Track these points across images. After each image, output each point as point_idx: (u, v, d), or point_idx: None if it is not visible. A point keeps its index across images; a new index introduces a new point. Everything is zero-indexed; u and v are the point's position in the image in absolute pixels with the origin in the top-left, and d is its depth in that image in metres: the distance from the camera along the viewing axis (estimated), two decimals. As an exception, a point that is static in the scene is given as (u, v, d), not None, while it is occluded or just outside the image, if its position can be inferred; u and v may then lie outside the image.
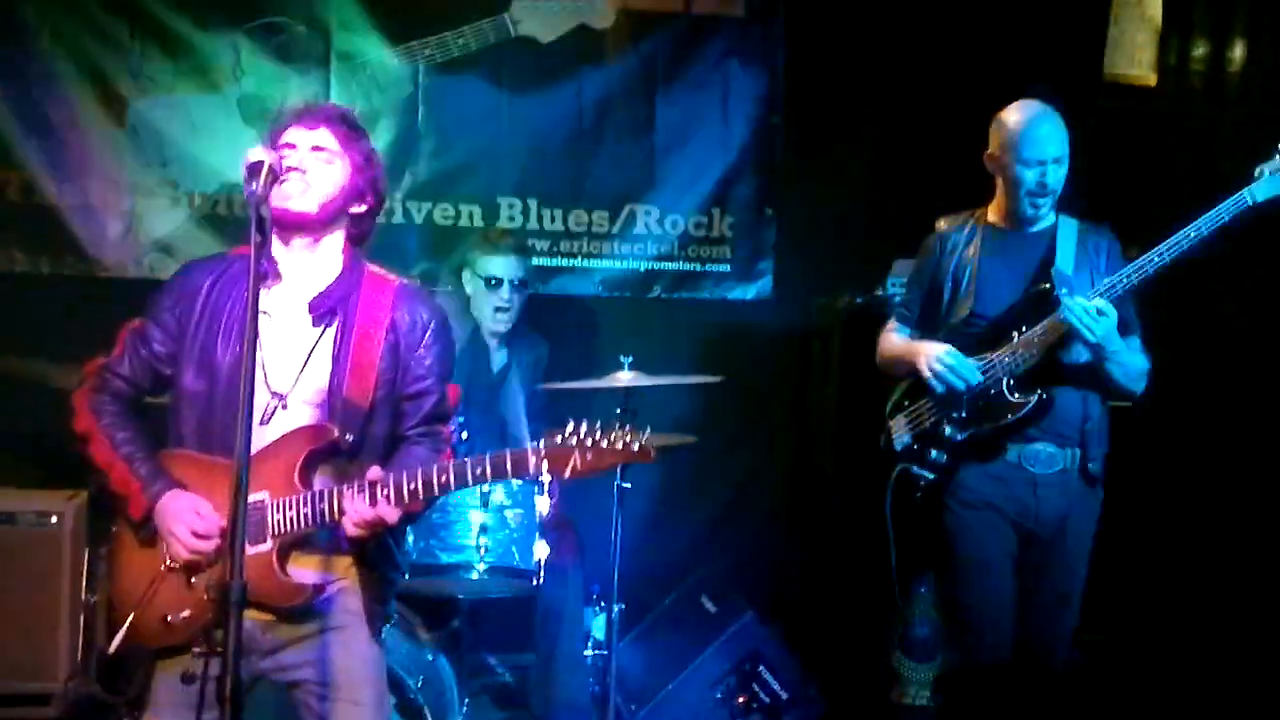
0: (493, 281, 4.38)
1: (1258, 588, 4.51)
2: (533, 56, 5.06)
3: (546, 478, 2.46)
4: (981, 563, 3.41)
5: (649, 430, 2.44)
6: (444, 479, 2.46)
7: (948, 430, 3.43)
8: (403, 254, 5.04)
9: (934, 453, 3.45)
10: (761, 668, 4.42)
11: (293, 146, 2.60)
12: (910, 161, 5.07)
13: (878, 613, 4.68)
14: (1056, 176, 3.39)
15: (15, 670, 4.04)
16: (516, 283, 4.44)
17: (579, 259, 5.24)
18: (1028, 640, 3.40)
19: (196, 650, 2.00)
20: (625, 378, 3.56)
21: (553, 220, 5.19)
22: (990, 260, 3.48)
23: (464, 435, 3.75)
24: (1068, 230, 3.48)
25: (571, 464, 2.40)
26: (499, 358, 4.49)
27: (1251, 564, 4.54)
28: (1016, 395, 3.36)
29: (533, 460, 2.43)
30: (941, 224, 3.62)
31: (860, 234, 5.13)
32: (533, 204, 5.17)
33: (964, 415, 3.41)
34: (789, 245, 5.30)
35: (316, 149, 2.60)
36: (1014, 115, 3.44)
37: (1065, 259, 3.43)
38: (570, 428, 2.43)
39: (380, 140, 4.99)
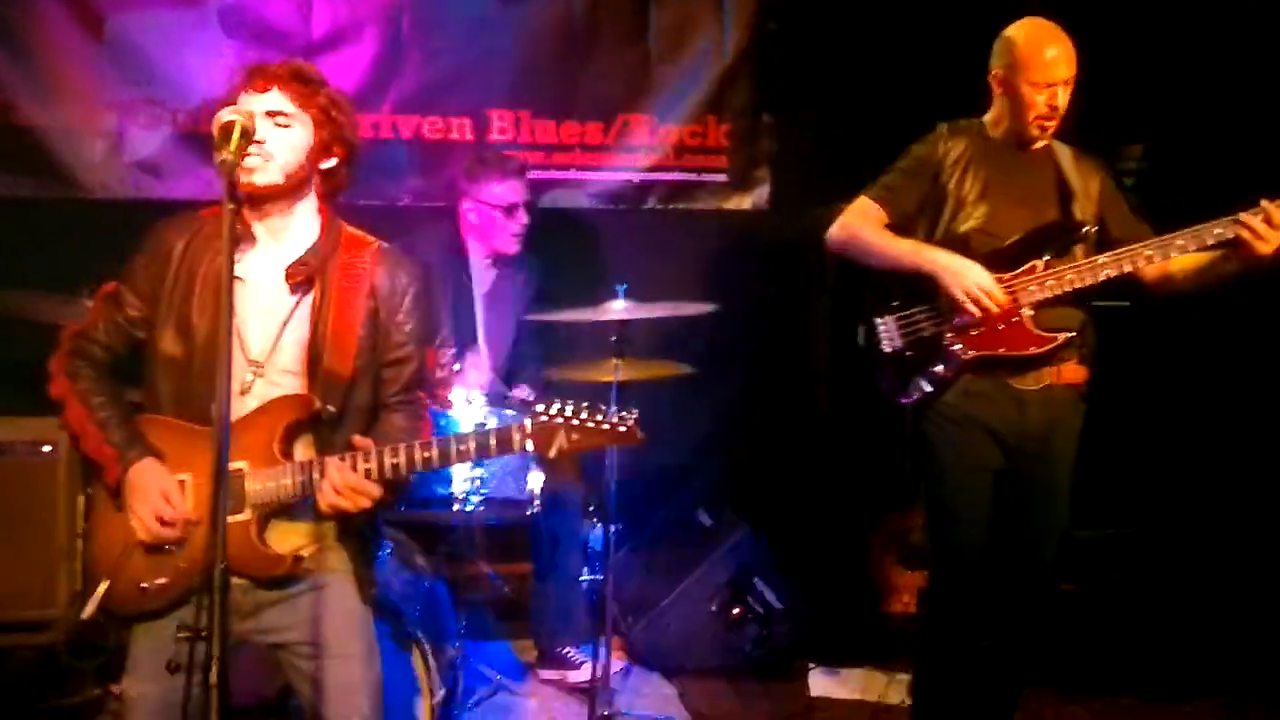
0: (510, 208, 4.30)
1: (1245, 490, 4.56)
2: (522, -38, 4.92)
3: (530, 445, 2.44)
4: (961, 478, 3.39)
5: (637, 412, 2.41)
6: (428, 455, 2.45)
7: (955, 346, 3.34)
8: (392, 171, 4.98)
9: (938, 366, 3.36)
10: (756, 579, 4.47)
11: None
12: (910, 67, 4.94)
13: (868, 524, 4.74)
14: (1064, 98, 3.31)
15: (15, 599, 4.08)
16: (529, 205, 4.37)
17: (572, 171, 5.15)
18: (1015, 552, 3.41)
19: (179, 635, 2.00)
20: (619, 308, 3.52)
21: (545, 132, 5.10)
22: (996, 176, 3.39)
23: (457, 367, 3.74)
24: (1064, 156, 3.42)
25: (558, 443, 2.40)
26: (486, 279, 4.43)
27: (1236, 466, 4.59)
28: (1040, 328, 3.29)
29: (518, 438, 2.42)
30: (944, 129, 3.50)
31: (859, 143, 5.02)
32: (524, 116, 5.07)
33: (977, 333, 3.31)
34: (786, 155, 5.21)
35: (271, 114, 2.51)
36: (1023, 34, 3.34)
37: (1071, 180, 3.38)
38: (557, 405, 2.41)
39: (365, 52, 4.91)
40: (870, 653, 4.39)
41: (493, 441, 2.45)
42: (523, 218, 4.32)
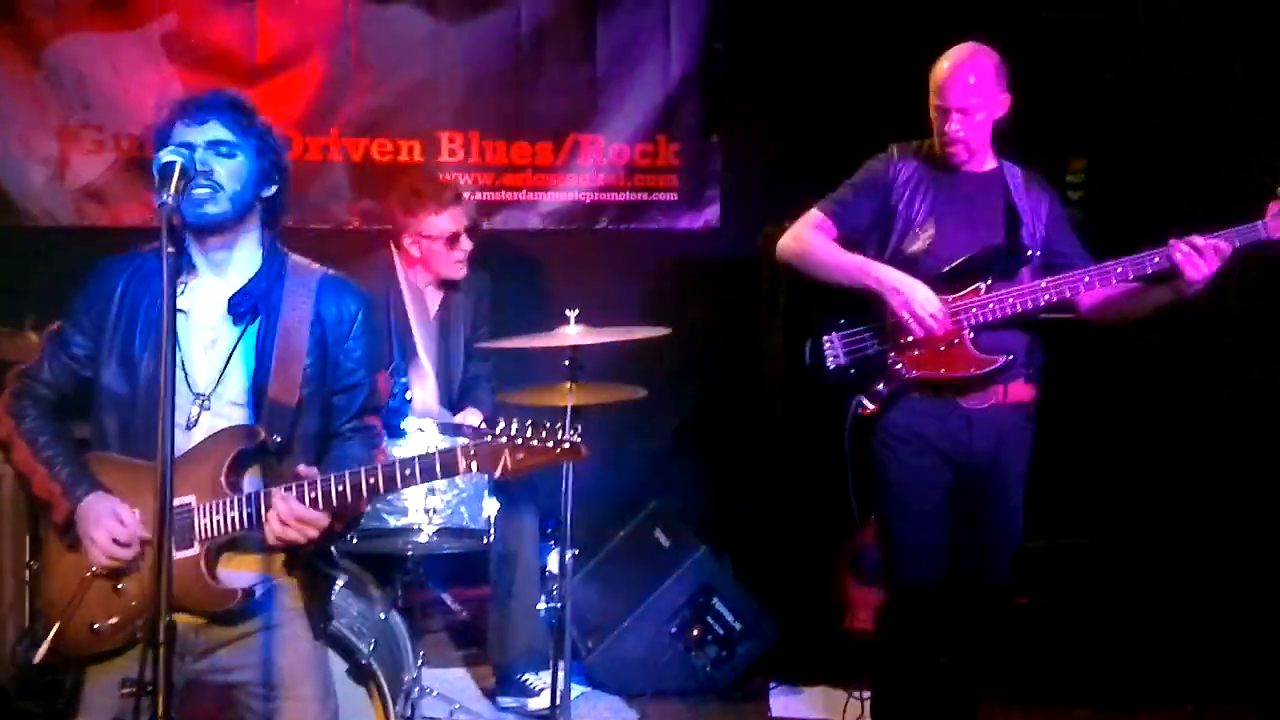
0: (452, 238, 4.26)
1: (1198, 499, 4.63)
2: (466, -18, 4.91)
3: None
4: (912, 496, 3.42)
5: (580, 429, 2.40)
6: (373, 482, 2.42)
7: (898, 365, 3.39)
8: (340, 194, 4.95)
9: (880, 385, 3.41)
10: (715, 600, 4.46)
11: (189, 147, 2.46)
12: (856, 86, 4.98)
13: (826, 542, 4.75)
14: (955, 127, 3.32)
15: (-40, 636, 3.99)
16: (470, 230, 4.32)
17: (523, 192, 5.14)
18: (969, 568, 3.45)
19: (124, 691, 1.96)
20: (571, 333, 3.50)
21: (495, 153, 5.09)
22: (944, 197, 3.42)
23: (408, 395, 3.71)
24: (1013, 175, 3.45)
25: (502, 463, 2.38)
26: (434, 300, 4.39)
27: (1189, 474, 4.65)
28: (980, 350, 3.33)
29: (463, 461, 2.41)
30: (894, 150, 3.52)
31: (807, 161, 5.06)
32: (474, 137, 5.06)
33: (920, 353, 3.35)
34: (736, 174, 5.23)
35: (213, 144, 2.48)
36: (941, 59, 3.37)
37: (1019, 203, 3.41)
38: (501, 425, 2.40)
39: (312, 75, 4.88)
40: (831, 671, 4.39)
41: (438, 465, 2.43)
42: (466, 244, 4.26)
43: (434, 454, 2.44)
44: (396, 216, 4.28)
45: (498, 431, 2.39)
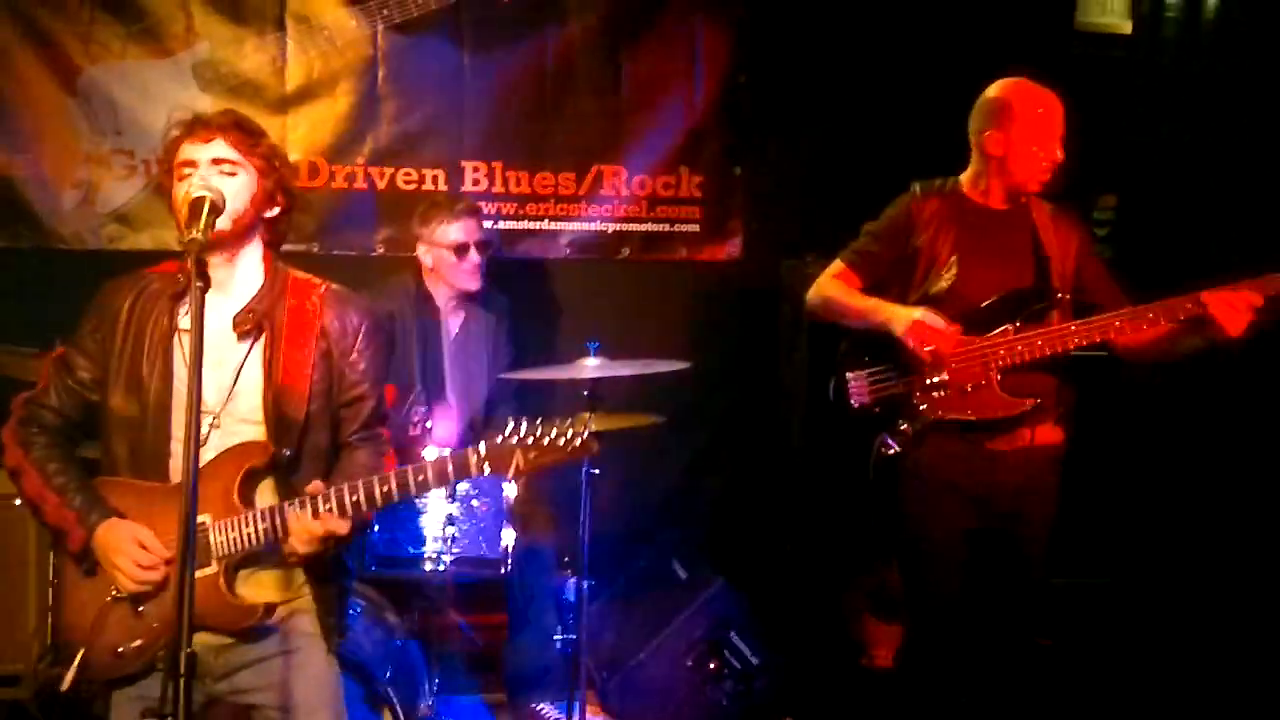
0: (460, 248, 4.31)
1: (1218, 537, 4.59)
2: (494, 15, 4.93)
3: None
4: (933, 537, 3.40)
5: (591, 421, 2.40)
6: (386, 489, 2.43)
7: (923, 406, 3.36)
8: (365, 221, 4.98)
9: (904, 425, 3.38)
10: (733, 634, 4.44)
11: (193, 165, 2.50)
12: (880, 119, 5.00)
13: (846, 577, 4.73)
14: (1061, 153, 3.35)
15: (-16, 652, 4.01)
16: (481, 244, 4.37)
17: (545, 221, 5.17)
18: (990, 609, 3.41)
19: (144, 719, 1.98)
20: (591, 365, 3.52)
21: (518, 183, 5.11)
22: (970, 236, 3.39)
23: (429, 425, 3.73)
24: (1040, 210, 3.43)
25: (514, 464, 2.38)
26: (454, 323, 4.43)
27: (1210, 515, 4.61)
28: (1008, 392, 3.30)
29: (474, 462, 2.41)
30: (917, 189, 3.51)
31: (830, 194, 5.08)
32: (497, 167, 5.09)
33: (945, 395, 3.33)
34: (759, 206, 5.24)
35: (217, 162, 2.52)
36: (1014, 94, 3.35)
37: (1047, 240, 3.39)
38: (511, 426, 2.40)
39: (340, 104, 4.93)
40: (849, 707, 4.36)
41: (450, 467, 2.43)
42: (475, 257, 4.31)
43: (445, 457, 2.44)
44: (415, 228, 4.38)
45: (507, 433, 2.39)
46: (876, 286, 3.49)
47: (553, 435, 2.39)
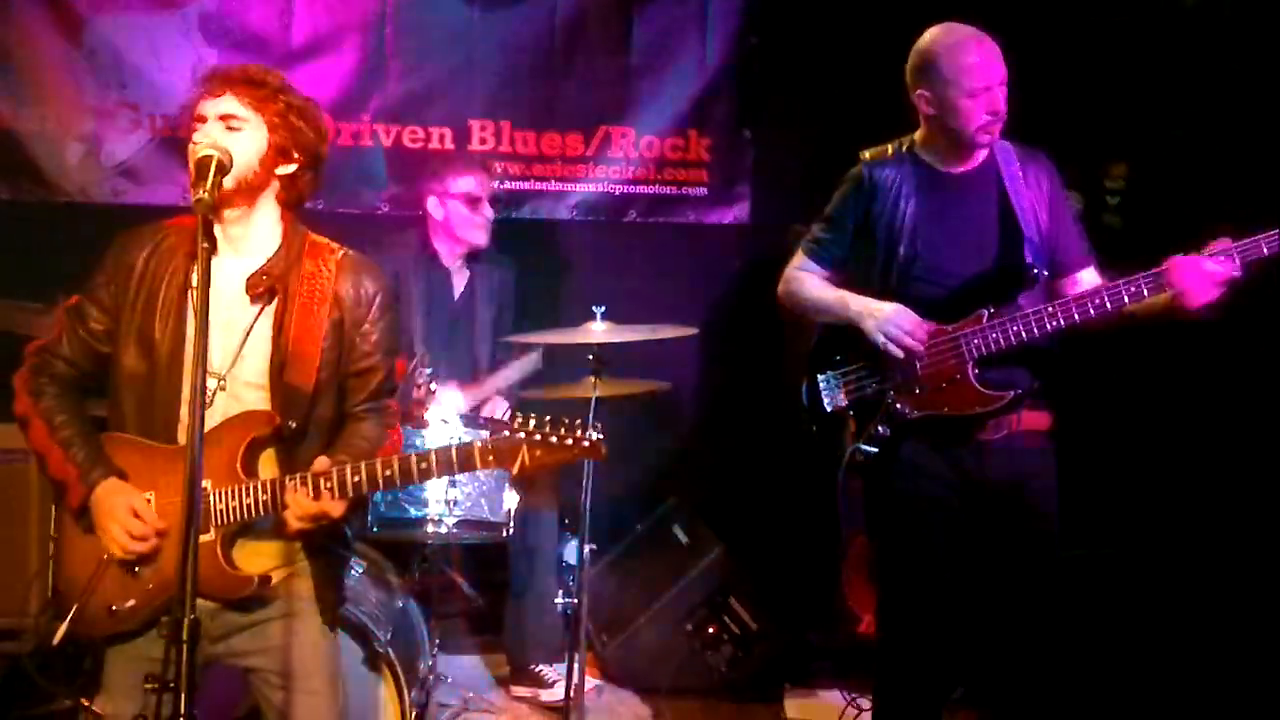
0: (473, 200, 4.29)
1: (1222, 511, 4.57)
2: (503, -29, 4.90)
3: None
4: (914, 547, 3.19)
5: (599, 428, 2.38)
6: (389, 474, 2.41)
7: (897, 406, 3.14)
8: (371, 179, 4.96)
9: (879, 428, 3.15)
10: (732, 599, 4.45)
11: (203, 120, 2.45)
12: (890, 85, 4.91)
13: (844, 544, 4.72)
14: (1003, 101, 3.07)
15: (-14, 605, 4.03)
16: (493, 200, 4.38)
17: (552, 182, 5.14)
18: (1000, 596, 3.18)
19: (147, 686, 1.98)
20: (598, 329, 3.50)
21: (525, 143, 5.09)
22: (932, 205, 3.16)
23: (433, 387, 3.72)
24: (1008, 161, 3.16)
25: (520, 460, 2.36)
26: (459, 282, 4.42)
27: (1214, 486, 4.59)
28: (985, 386, 3.09)
29: (480, 456, 2.38)
30: (866, 155, 3.32)
31: (840, 159, 5.01)
32: (505, 126, 5.06)
33: (920, 392, 3.11)
34: (768, 171, 5.20)
35: (223, 118, 2.45)
36: (941, 45, 3.11)
37: (1019, 204, 3.12)
38: (519, 420, 2.37)
39: (347, 61, 4.89)
40: (847, 674, 4.37)
41: (454, 458, 2.41)
42: (487, 211, 4.32)
43: (450, 448, 2.41)
44: (426, 182, 4.37)
45: (516, 426, 2.37)
46: (841, 271, 3.28)
47: (561, 435, 2.37)
